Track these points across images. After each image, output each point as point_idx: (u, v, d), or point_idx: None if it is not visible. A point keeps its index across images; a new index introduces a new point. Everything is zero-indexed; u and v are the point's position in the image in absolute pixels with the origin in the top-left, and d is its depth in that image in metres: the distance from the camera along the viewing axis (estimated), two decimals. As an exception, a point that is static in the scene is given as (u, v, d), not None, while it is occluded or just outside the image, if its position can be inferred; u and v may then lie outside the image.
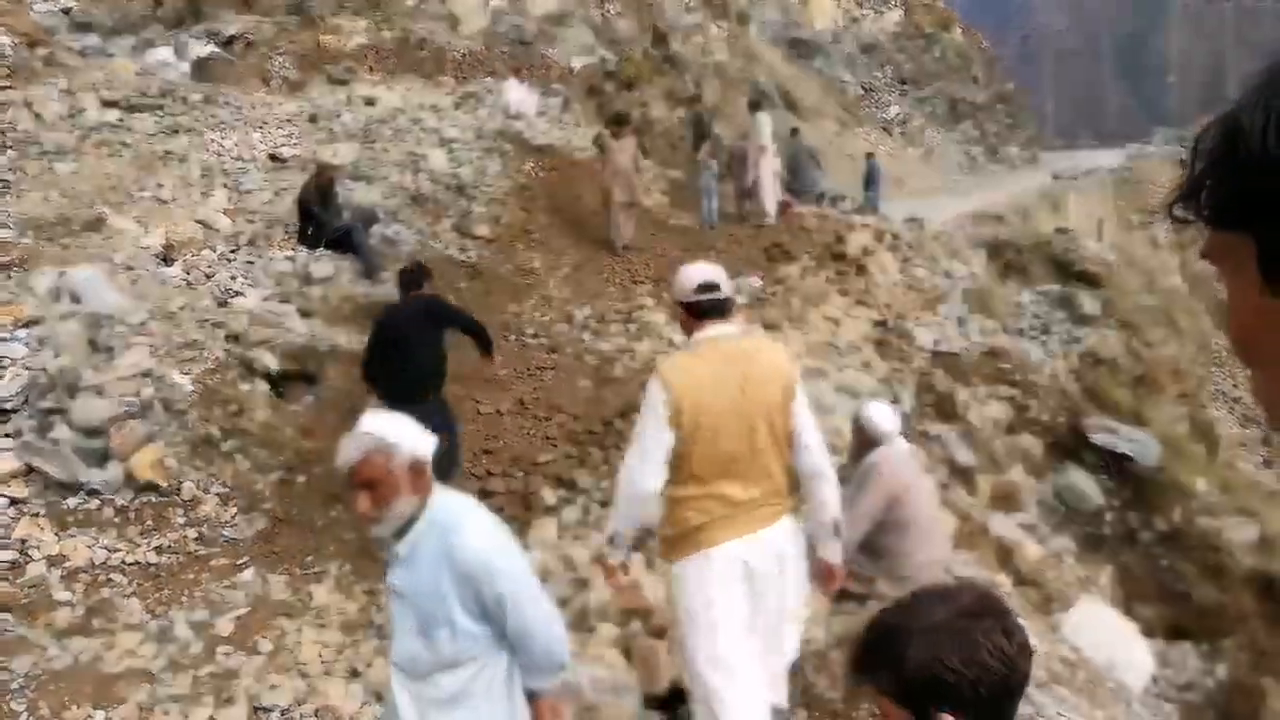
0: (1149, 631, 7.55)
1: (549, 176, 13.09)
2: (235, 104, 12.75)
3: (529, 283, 10.56)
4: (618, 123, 12.76)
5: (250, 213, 9.99)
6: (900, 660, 1.29)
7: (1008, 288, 14.40)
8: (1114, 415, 9.16)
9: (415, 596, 2.47)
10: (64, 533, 5.87)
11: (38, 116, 10.55)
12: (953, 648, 1.26)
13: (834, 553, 3.27)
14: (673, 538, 3.15)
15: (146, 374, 6.95)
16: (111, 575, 5.74)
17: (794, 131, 18.93)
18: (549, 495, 6.75)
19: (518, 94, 14.78)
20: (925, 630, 1.29)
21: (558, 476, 6.78)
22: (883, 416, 4.62)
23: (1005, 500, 7.92)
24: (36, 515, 5.89)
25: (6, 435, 6.21)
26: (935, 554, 4.59)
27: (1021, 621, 1.34)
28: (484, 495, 6.70)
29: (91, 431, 6.34)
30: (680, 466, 3.06)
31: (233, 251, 9.24)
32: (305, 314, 8.54)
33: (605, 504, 6.17)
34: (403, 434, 2.46)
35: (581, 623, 4.78)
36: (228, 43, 15.37)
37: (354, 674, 5.20)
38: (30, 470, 6.06)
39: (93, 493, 6.12)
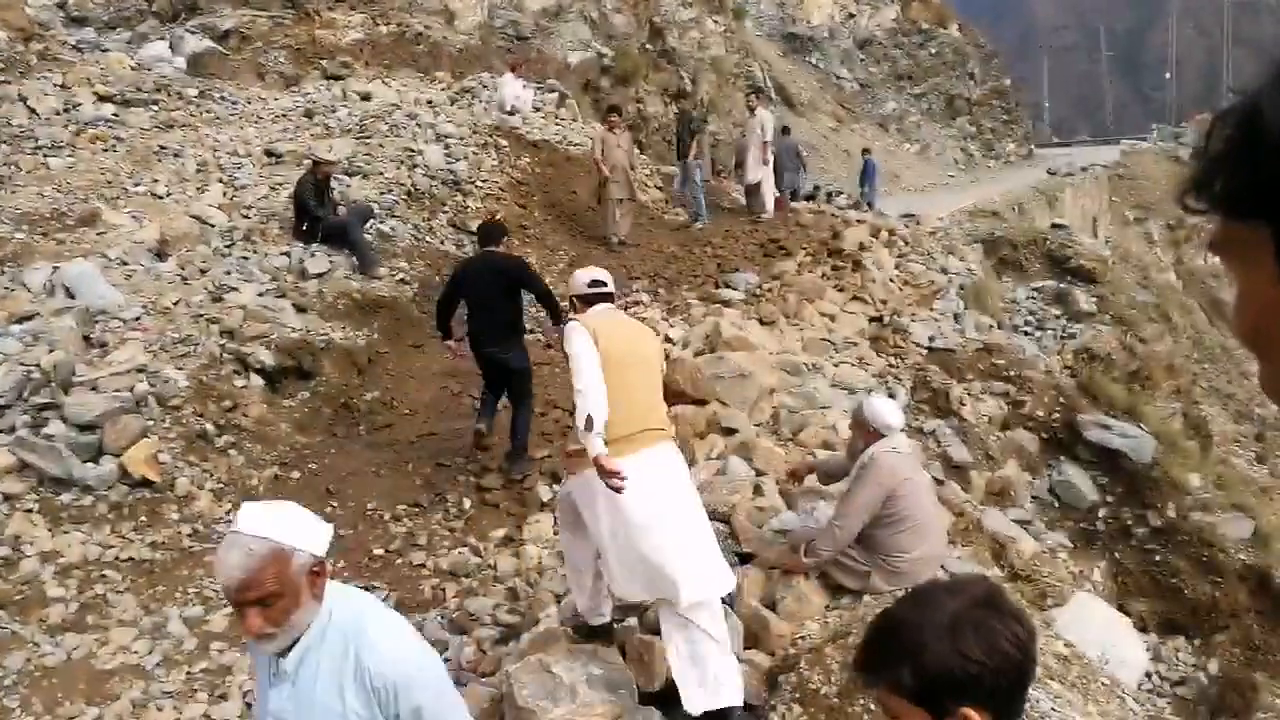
0: (1142, 627, 7.57)
1: (545, 172, 13.07)
2: (230, 99, 12.72)
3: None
4: (614, 113, 12.75)
5: (245, 208, 9.97)
6: (918, 656, 1.25)
7: (1003, 283, 14.43)
8: (1108, 411, 9.18)
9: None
10: (57, 529, 5.86)
11: (32, 111, 10.52)
12: (974, 639, 1.24)
13: None
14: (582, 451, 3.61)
15: (140, 369, 6.94)
16: (105, 571, 5.73)
17: (785, 130, 18.94)
18: (544, 491, 6.74)
19: (513, 89, 14.75)
20: (942, 624, 1.25)
21: (553, 472, 6.78)
22: (886, 409, 4.61)
23: (999, 496, 7.93)
24: (30, 511, 5.88)
25: (0, 431, 6.20)
26: (931, 550, 4.58)
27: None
28: (480, 491, 6.70)
29: (85, 427, 6.33)
30: None
31: (228, 246, 9.22)
32: (300, 309, 8.52)
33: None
34: (297, 530, 2.05)
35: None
36: (223, 37, 15.32)
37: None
38: (23, 466, 6.06)
39: (86, 488, 6.11)
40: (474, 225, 11.10)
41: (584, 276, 4.26)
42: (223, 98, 12.63)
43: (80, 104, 10.98)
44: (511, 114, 14.41)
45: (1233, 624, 7.64)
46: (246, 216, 9.80)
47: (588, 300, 4.16)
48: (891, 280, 11.05)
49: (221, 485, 6.62)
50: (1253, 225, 0.65)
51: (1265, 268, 0.65)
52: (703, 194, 13.57)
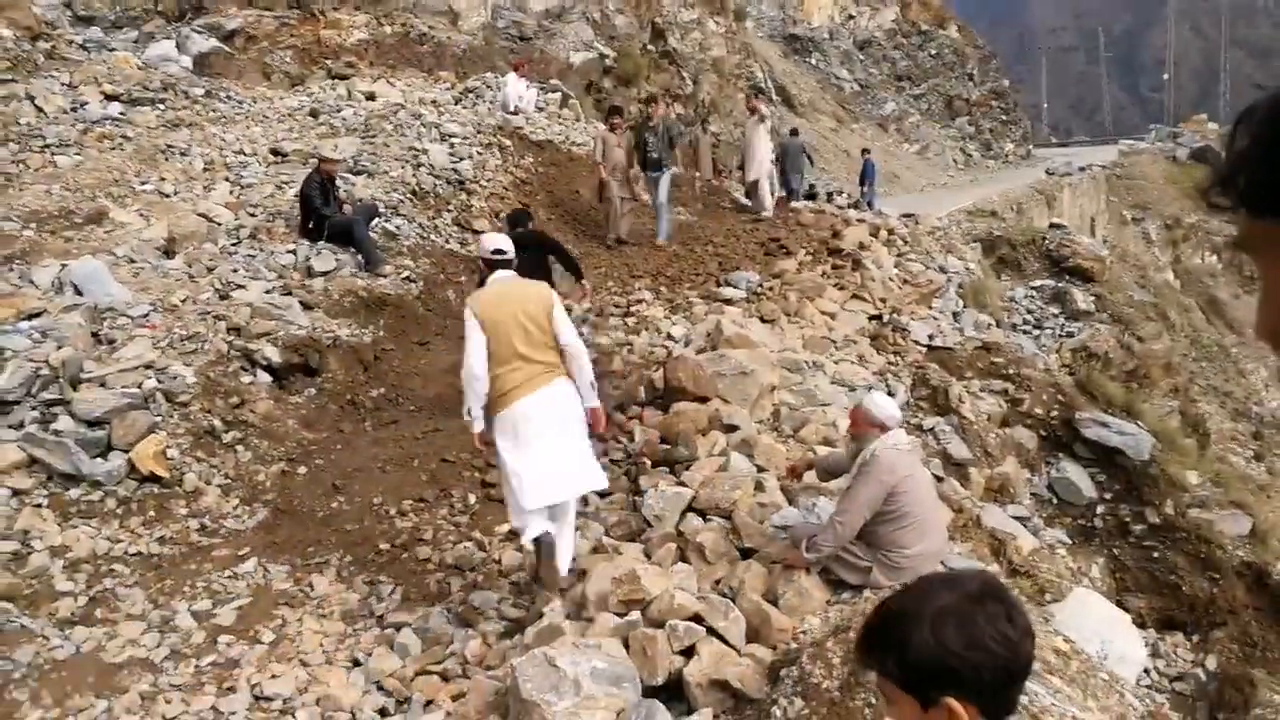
0: (1140, 623, 7.62)
1: (548, 171, 13.13)
2: (236, 98, 12.77)
3: (527, 277, 10.58)
4: (616, 114, 12.81)
5: (252, 206, 10.03)
6: (904, 645, 1.29)
7: (1002, 282, 14.49)
8: (1106, 409, 9.23)
9: None
10: (66, 524, 5.90)
11: (40, 110, 10.57)
12: (956, 632, 1.26)
13: (592, 399, 5.17)
14: (493, 400, 4.95)
15: (148, 366, 6.99)
16: (114, 566, 5.78)
17: (794, 132, 19.04)
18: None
19: (517, 89, 14.81)
20: (929, 615, 1.28)
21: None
22: (885, 405, 4.67)
23: (999, 492, 7.99)
24: (39, 506, 5.93)
25: (9, 427, 6.25)
26: (932, 546, 4.64)
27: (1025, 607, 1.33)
28: (485, 486, 6.76)
29: (94, 423, 6.38)
30: (491, 355, 4.88)
31: (234, 245, 9.28)
32: (307, 306, 8.58)
33: (604, 495, 6.22)
34: None
35: (580, 613, 4.84)
36: (229, 37, 15.38)
37: (355, 663, 5.25)
38: (33, 461, 6.10)
39: (95, 484, 6.15)
40: (478, 224, 11.27)
41: (489, 244, 5.38)
42: (229, 97, 12.68)
43: (87, 103, 11.04)
44: (515, 114, 14.48)
45: (1231, 620, 7.69)
46: (253, 215, 9.87)
47: (490, 264, 5.28)
48: (891, 279, 11.10)
49: (229, 481, 6.67)
50: (1276, 222, 0.65)
51: None
52: (668, 213, 12.53)
